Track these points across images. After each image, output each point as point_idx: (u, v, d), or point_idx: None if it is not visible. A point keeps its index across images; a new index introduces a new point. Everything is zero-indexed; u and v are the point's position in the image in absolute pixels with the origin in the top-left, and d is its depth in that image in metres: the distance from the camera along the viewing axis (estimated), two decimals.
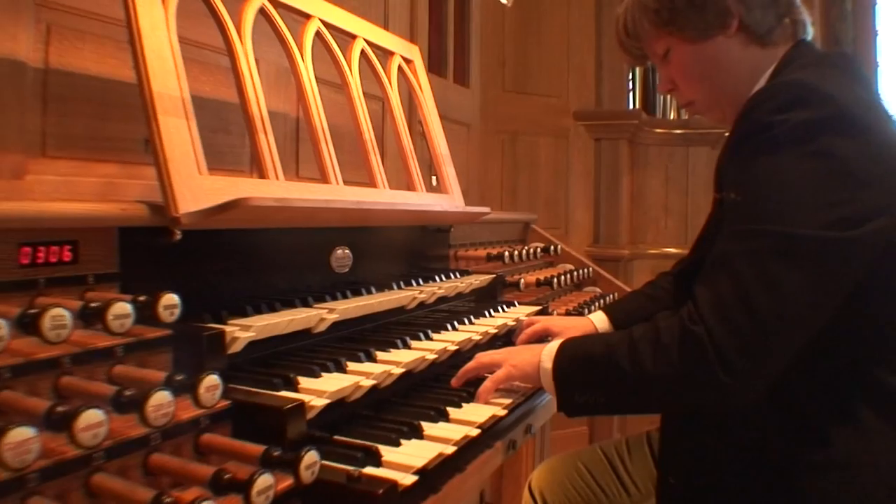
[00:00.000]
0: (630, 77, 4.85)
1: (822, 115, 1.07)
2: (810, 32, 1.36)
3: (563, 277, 2.52)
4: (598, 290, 2.88)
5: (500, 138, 4.22)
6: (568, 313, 2.25)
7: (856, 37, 7.32)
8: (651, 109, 4.89)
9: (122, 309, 0.91)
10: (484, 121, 3.98)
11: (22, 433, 0.69)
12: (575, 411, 1.30)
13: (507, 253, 2.38)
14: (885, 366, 1.14)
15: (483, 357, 1.46)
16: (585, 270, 2.85)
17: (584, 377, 1.27)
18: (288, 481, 0.89)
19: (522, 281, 2.34)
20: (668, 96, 4.43)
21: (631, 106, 4.83)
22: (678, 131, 4.75)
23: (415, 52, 2.27)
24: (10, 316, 0.86)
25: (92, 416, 0.75)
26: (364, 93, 1.92)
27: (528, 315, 1.94)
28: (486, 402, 1.38)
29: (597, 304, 2.46)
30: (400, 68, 2.14)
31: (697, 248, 1.32)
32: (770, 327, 1.05)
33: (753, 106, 1.14)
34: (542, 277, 2.42)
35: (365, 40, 1.95)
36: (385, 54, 2.12)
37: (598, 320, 1.79)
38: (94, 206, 1.08)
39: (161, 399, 0.82)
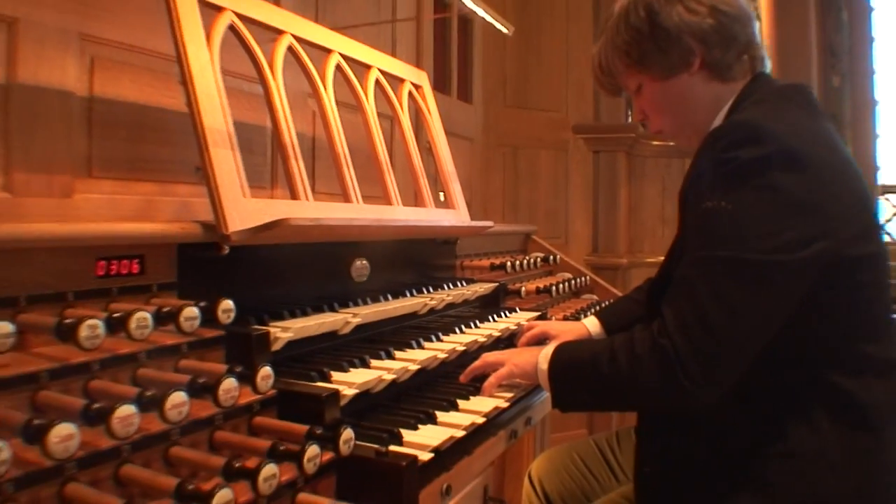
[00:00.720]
0: None
1: (767, 152, 1.21)
2: (768, 66, 1.50)
3: (561, 286, 2.70)
4: (594, 297, 3.05)
5: (501, 152, 4.37)
6: (565, 318, 2.42)
7: (852, 46, 7.50)
8: None
9: (192, 312, 1.10)
10: (486, 135, 4.15)
11: (127, 409, 0.88)
12: (566, 407, 1.48)
13: (508, 263, 2.56)
14: (835, 371, 1.27)
15: (488, 356, 1.64)
16: (583, 279, 3.02)
17: (573, 379, 1.44)
18: (329, 454, 1.08)
19: (523, 289, 2.52)
20: None
21: (628, 119, 4.97)
22: (674, 143, 4.87)
23: (423, 78, 2.46)
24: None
25: (177, 398, 0.93)
26: (377, 112, 2.11)
27: (528, 320, 2.11)
28: (491, 396, 1.57)
29: (592, 309, 2.63)
30: (410, 93, 2.33)
31: (666, 264, 1.48)
32: (724, 341, 1.21)
33: (709, 144, 1.29)
34: (541, 286, 2.60)
35: (379, 70, 2.15)
36: (396, 81, 2.30)
37: (591, 324, 1.96)
38: (159, 226, 1.27)
39: (230, 385, 1.01)
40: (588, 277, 3.07)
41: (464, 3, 2.24)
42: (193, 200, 1.92)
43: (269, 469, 0.93)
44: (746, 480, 1.28)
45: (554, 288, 2.62)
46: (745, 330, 1.21)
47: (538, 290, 2.58)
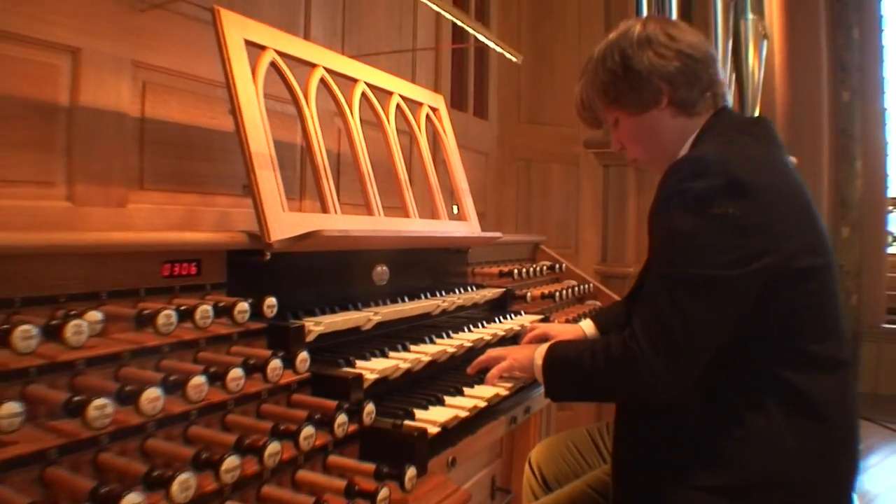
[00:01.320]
0: None
1: (717, 183, 1.39)
2: (729, 101, 1.69)
3: (564, 292, 2.92)
4: (598, 303, 3.25)
5: (515, 165, 4.56)
6: (567, 322, 2.64)
7: (862, 62, 7.64)
8: None
9: (244, 307, 1.34)
10: (501, 149, 4.35)
11: (198, 380, 1.12)
12: (556, 398, 1.71)
13: (516, 270, 2.78)
14: (786, 368, 1.46)
15: (492, 351, 1.87)
16: (587, 286, 3.24)
17: (561, 374, 1.65)
18: (354, 426, 1.31)
19: (529, 294, 2.74)
20: None
21: None
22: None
23: (440, 101, 2.70)
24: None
25: (236, 373, 1.18)
26: (397, 130, 2.34)
27: (531, 322, 2.34)
28: (493, 385, 1.79)
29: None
30: (427, 116, 2.57)
31: (640, 278, 1.69)
32: (682, 344, 1.41)
33: (668, 176, 1.49)
34: (546, 291, 2.81)
35: (399, 95, 2.39)
36: (415, 104, 2.54)
37: (587, 326, 2.18)
38: (213, 235, 1.52)
39: (276, 364, 1.25)
40: (591, 285, 3.28)
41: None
42: (231, 210, 2.16)
43: (308, 430, 1.17)
44: (707, 460, 1.46)
45: (558, 294, 2.84)
46: (700, 335, 1.41)
47: (543, 296, 2.79)
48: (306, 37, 2.48)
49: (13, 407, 0.95)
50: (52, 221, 1.69)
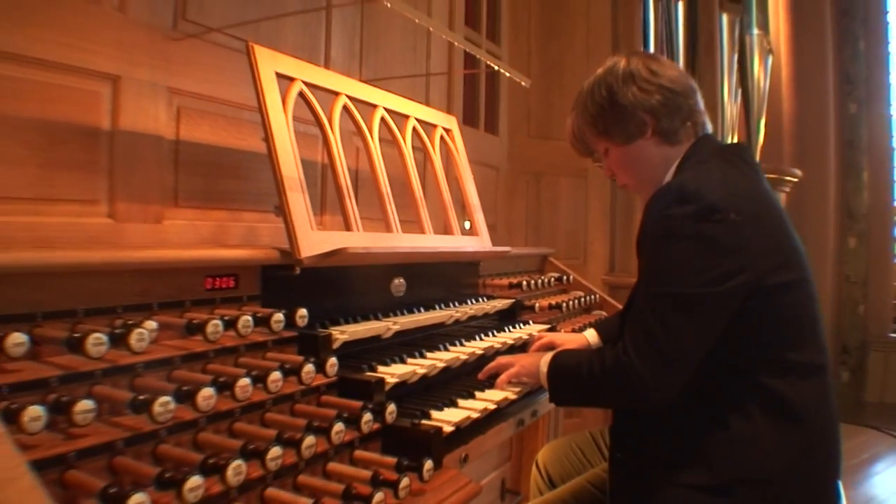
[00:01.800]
0: None
1: (695, 209, 1.51)
2: (709, 128, 1.83)
3: (571, 302, 3.06)
4: (604, 313, 3.39)
5: (525, 179, 4.71)
6: (573, 331, 2.78)
7: (868, 74, 7.75)
8: None
9: (280, 317, 1.51)
10: (511, 163, 4.50)
11: (245, 381, 1.28)
12: (559, 403, 1.86)
13: (525, 282, 2.93)
14: (766, 374, 1.56)
15: (502, 359, 2.03)
16: (593, 297, 3.38)
17: (562, 381, 1.80)
18: (377, 425, 1.47)
19: (537, 305, 2.89)
20: None
21: None
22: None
23: (452, 122, 2.86)
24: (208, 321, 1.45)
25: (276, 375, 1.34)
26: (413, 147, 2.49)
27: (538, 331, 2.49)
28: (502, 390, 1.94)
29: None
30: (441, 137, 2.73)
31: (632, 295, 1.81)
32: (667, 356, 1.53)
33: (651, 203, 1.62)
34: (553, 302, 2.96)
35: (416, 119, 2.55)
36: (430, 126, 2.70)
37: (590, 335, 2.33)
38: (250, 252, 1.68)
39: (309, 368, 1.41)
40: (598, 295, 3.42)
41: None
42: (257, 225, 2.31)
43: (339, 426, 1.33)
44: (694, 460, 1.60)
45: (564, 305, 2.99)
46: (684, 347, 1.55)
47: (550, 307, 2.94)
48: (327, 58, 2.65)
49: (87, 404, 1.10)
50: (95, 237, 1.82)
